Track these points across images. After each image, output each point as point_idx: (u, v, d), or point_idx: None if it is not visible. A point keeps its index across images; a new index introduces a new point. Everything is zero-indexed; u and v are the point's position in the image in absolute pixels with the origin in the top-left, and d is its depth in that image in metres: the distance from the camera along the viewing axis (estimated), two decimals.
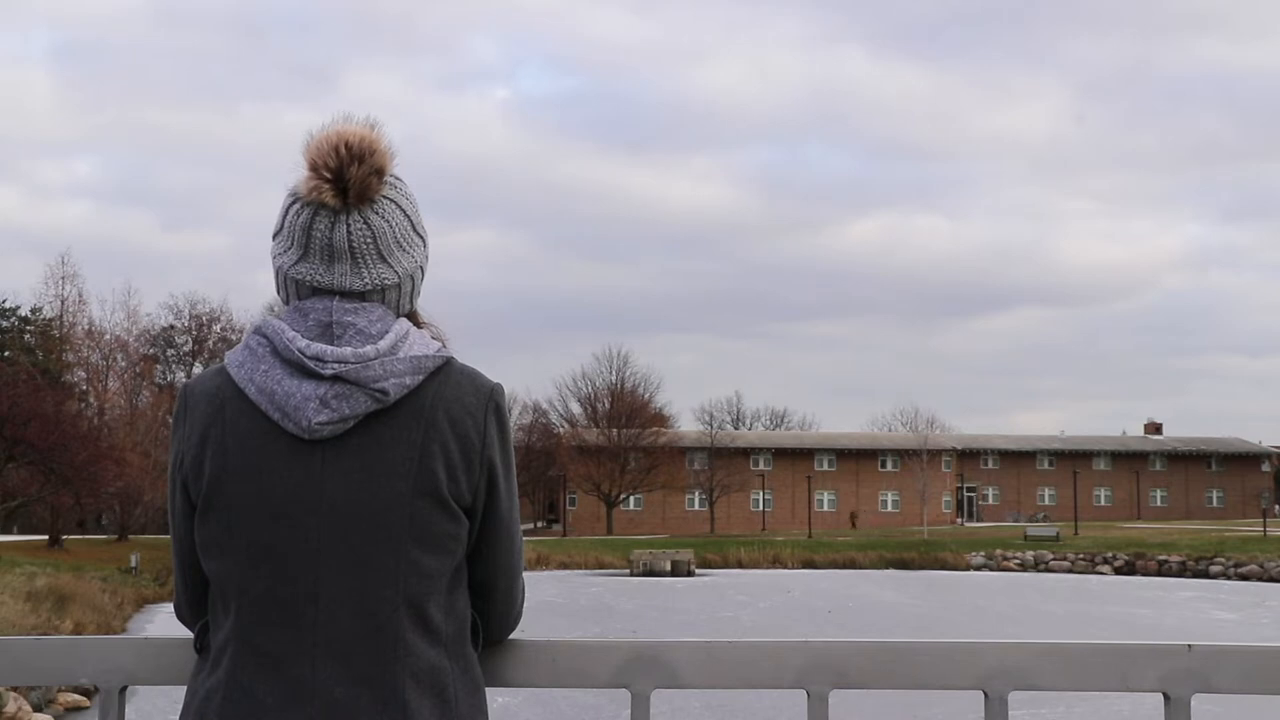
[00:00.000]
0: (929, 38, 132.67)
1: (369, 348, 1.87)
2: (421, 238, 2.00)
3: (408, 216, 1.96)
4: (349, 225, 1.90)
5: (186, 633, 2.07)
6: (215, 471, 1.86)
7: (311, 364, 1.84)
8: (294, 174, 1.93)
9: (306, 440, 1.84)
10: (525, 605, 2.12)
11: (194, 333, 76.81)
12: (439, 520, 1.87)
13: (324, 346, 1.86)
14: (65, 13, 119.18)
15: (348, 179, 1.88)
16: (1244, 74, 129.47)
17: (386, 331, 1.90)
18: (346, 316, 1.89)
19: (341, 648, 1.83)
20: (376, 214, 1.92)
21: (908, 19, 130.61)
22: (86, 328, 65.94)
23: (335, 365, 1.84)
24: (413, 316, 2.02)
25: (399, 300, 1.97)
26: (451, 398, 1.90)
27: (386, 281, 1.93)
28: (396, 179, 1.96)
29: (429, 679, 1.85)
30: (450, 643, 1.90)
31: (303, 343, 1.86)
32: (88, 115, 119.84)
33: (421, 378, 1.89)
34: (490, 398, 1.94)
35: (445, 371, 1.92)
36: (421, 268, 2.01)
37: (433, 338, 1.97)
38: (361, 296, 1.92)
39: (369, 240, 1.91)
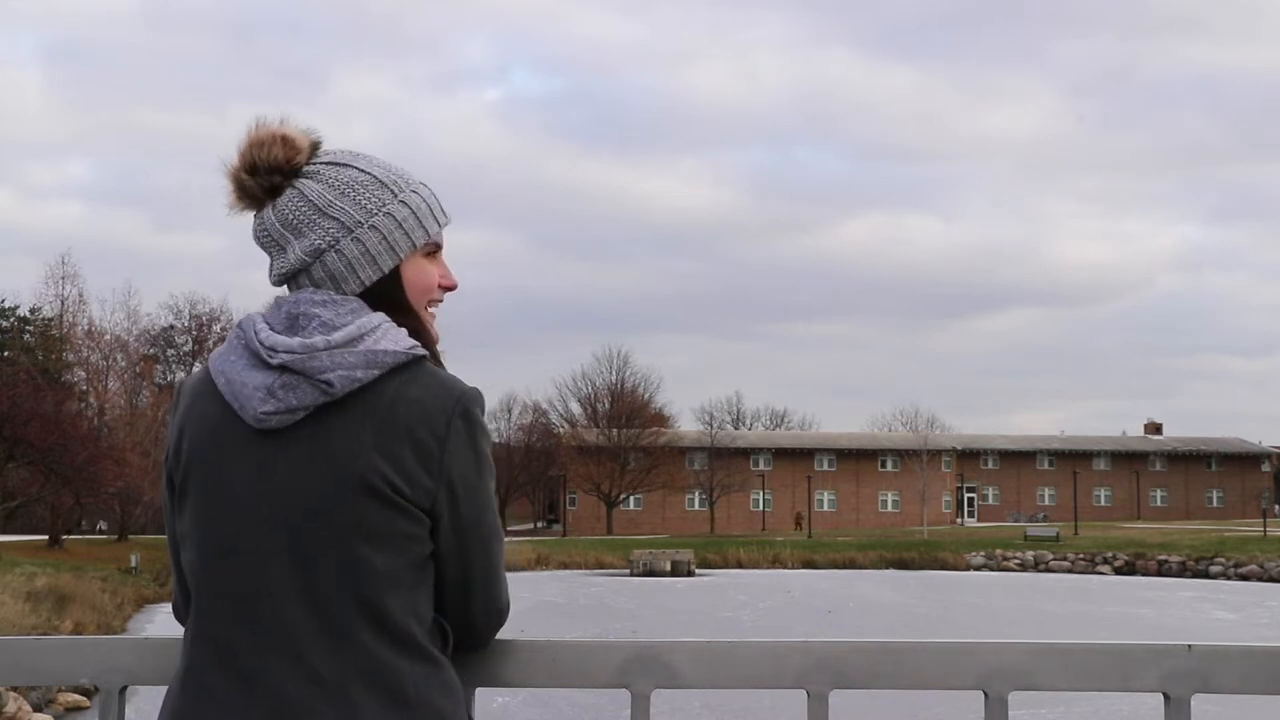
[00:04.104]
0: (917, 39, 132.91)
1: (318, 338, 1.85)
2: (338, 216, 1.93)
3: (310, 199, 1.93)
4: (263, 218, 1.96)
5: None
6: (185, 463, 1.90)
7: (265, 354, 1.86)
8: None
9: (261, 431, 1.85)
10: (525, 606, 2.11)
11: (194, 333, 76.77)
12: (388, 518, 1.83)
13: (280, 337, 1.87)
14: (55, 14, 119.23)
15: (246, 187, 1.96)
16: (1233, 75, 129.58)
17: (351, 324, 1.88)
18: (314, 309, 1.89)
19: (292, 644, 1.81)
20: (284, 199, 1.94)
21: (895, 20, 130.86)
22: (86, 328, 66.00)
23: (284, 355, 1.84)
24: (403, 311, 1.97)
25: (345, 275, 1.92)
26: (413, 397, 1.86)
27: (298, 263, 1.92)
28: (318, 163, 1.96)
29: (382, 680, 1.82)
30: (410, 643, 1.85)
31: (265, 334, 1.88)
32: (79, 116, 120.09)
33: (378, 373, 1.85)
34: (459, 402, 1.88)
35: (412, 371, 1.88)
36: (337, 242, 1.92)
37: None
38: (335, 286, 1.92)
39: (270, 231, 1.95)
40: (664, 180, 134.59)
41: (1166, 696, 2.14)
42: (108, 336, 66.96)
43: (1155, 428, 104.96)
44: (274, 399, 1.83)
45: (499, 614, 2.02)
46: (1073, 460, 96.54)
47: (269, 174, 1.93)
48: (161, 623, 34.23)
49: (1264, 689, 2.14)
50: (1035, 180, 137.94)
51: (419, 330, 1.96)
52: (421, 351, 1.89)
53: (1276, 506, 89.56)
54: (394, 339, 1.88)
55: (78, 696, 20.76)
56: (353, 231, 1.92)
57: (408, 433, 1.84)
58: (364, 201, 1.94)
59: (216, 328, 76.21)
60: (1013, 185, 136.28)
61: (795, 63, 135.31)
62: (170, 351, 77.77)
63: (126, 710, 2.21)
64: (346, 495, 1.82)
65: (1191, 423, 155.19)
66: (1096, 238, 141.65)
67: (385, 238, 1.94)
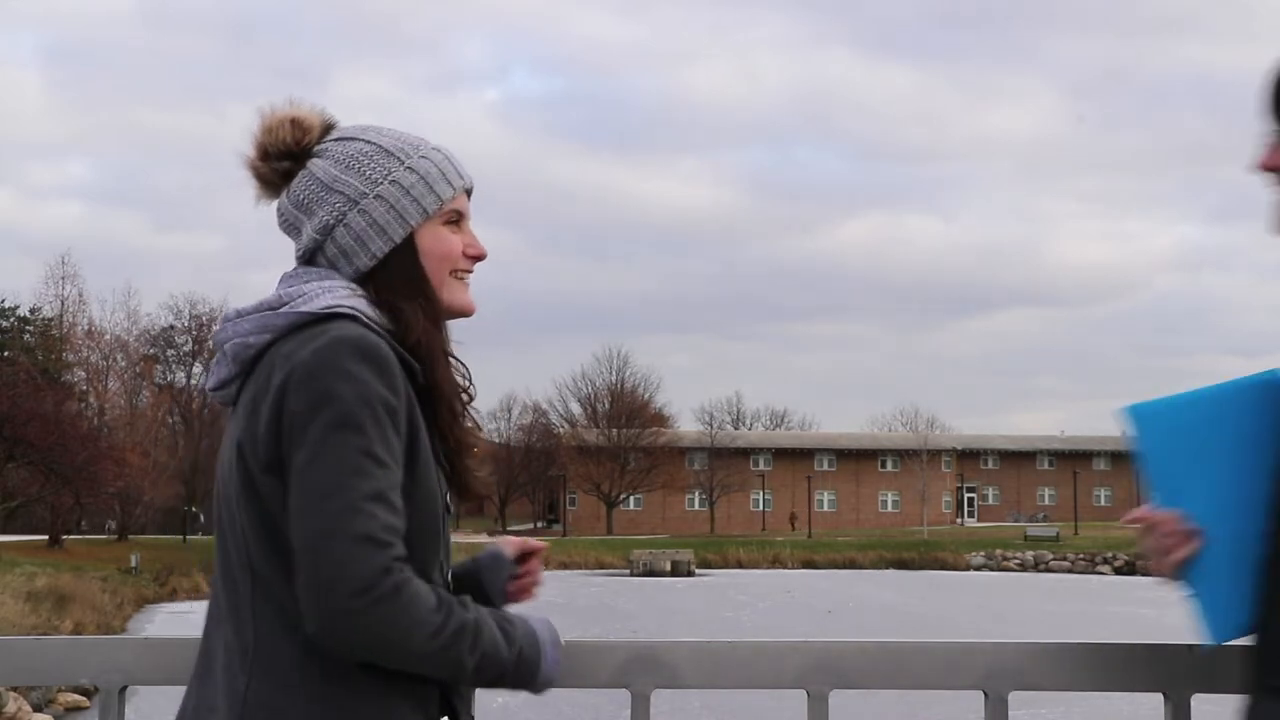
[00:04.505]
0: (917, 39, 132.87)
1: (234, 309, 1.87)
2: (343, 190, 1.88)
3: (318, 177, 1.90)
4: (280, 203, 1.95)
5: (187, 633, 2.07)
6: None
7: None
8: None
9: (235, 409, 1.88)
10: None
11: (194, 333, 76.74)
12: (256, 480, 1.75)
13: None
14: (54, 14, 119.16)
15: (262, 174, 1.94)
16: (1233, 75, 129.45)
17: (279, 292, 1.86)
18: (279, 285, 1.89)
19: (219, 612, 1.82)
20: (295, 181, 1.92)
21: (895, 20, 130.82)
22: (86, 328, 65.96)
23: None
24: (418, 282, 1.89)
25: (354, 249, 1.87)
26: (287, 352, 1.76)
27: (311, 243, 1.89)
28: (328, 141, 1.93)
29: (266, 653, 1.75)
30: (293, 617, 1.73)
31: None
32: (79, 116, 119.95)
33: (269, 336, 1.80)
34: (326, 345, 1.73)
35: (307, 329, 1.78)
36: (344, 216, 1.87)
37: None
38: (348, 261, 1.88)
39: (286, 215, 1.93)
40: (664, 180, 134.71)
41: (1166, 696, 2.14)
42: (108, 336, 66.93)
43: None
44: (213, 376, 1.87)
45: (330, 590, 1.64)
46: (1073, 460, 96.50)
47: (280, 158, 1.91)
48: (161, 623, 34.21)
49: None
50: (1035, 180, 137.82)
51: (415, 310, 1.85)
52: (340, 309, 1.79)
53: None
54: (320, 303, 1.81)
55: (78, 696, 20.76)
56: (358, 203, 1.87)
57: (271, 387, 1.76)
58: (368, 172, 1.89)
59: (216, 328, 76.13)
60: (1013, 185, 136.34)
61: (795, 63, 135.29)
62: (170, 351, 77.75)
63: (126, 710, 2.21)
64: (233, 463, 1.79)
65: None
66: (1096, 238, 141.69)
67: (392, 206, 1.88)
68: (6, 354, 60.81)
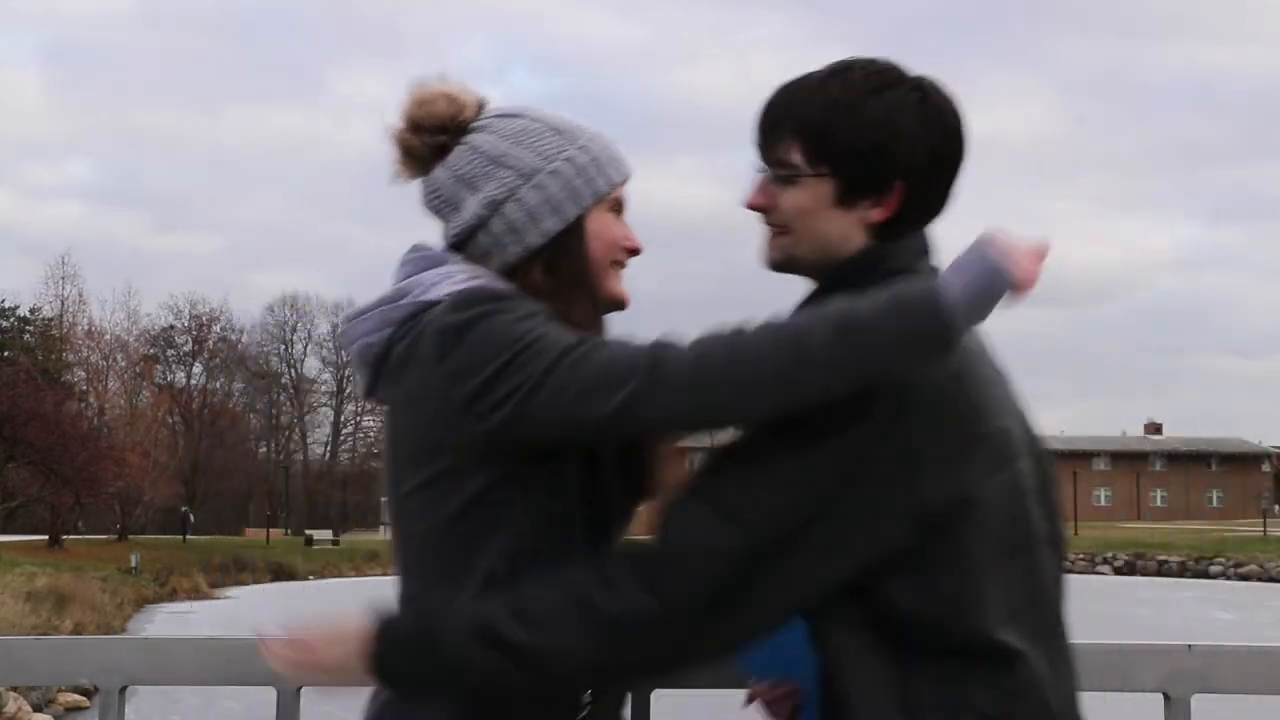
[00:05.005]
0: (916, 39, 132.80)
1: (355, 307, 1.81)
2: (514, 165, 1.80)
3: (484, 151, 1.82)
4: (434, 177, 1.86)
5: (187, 632, 2.07)
6: None
7: None
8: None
9: None
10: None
11: (194, 333, 76.89)
12: (436, 470, 1.73)
13: None
14: (54, 14, 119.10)
15: (412, 148, 1.87)
16: (1233, 76, 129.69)
17: (398, 284, 1.78)
18: (398, 268, 1.80)
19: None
20: (454, 155, 1.84)
21: (894, 20, 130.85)
22: (86, 328, 65.98)
23: None
24: (583, 266, 1.80)
25: (526, 225, 1.78)
26: (412, 342, 1.71)
27: (474, 219, 1.79)
28: (485, 118, 1.86)
29: None
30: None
31: None
32: (79, 116, 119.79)
33: (390, 330, 1.74)
34: (440, 326, 1.68)
35: (425, 314, 1.71)
36: (516, 190, 1.79)
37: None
38: (517, 239, 1.79)
39: (442, 190, 1.84)
40: (663, 180, 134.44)
41: (1166, 696, 2.14)
42: (108, 336, 66.94)
43: (1155, 428, 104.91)
44: (359, 383, 1.80)
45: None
46: (1073, 460, 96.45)
47: (435, 132, 1.83)
48: (161, 623, 34.19)
49: (1264, 689, 2.15)
50: (1035, 180, 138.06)
51: (574, 294, 1.78)
52: (466, 288, 1.71)
53: (1276, 506, 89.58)
54: (440, 291, 1.73)
55: (78, 696, 20.73)
56: (531, 179, 1.78)
57: (404, 379, 1.72)
58: (541, 148, 1.81)
59: (216, 328, 76.29)
60: (1012, 185, 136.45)
61: (795, 63, 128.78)
62: (170, 351, 77.83)
63: (126, 710, 2.21)
64: (397, 460, 1.76)
65: (1191, 423, 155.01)
66: (1096, 238, 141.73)
67: (567, 184, 1.79)
68: (6, 354, 60.84)
